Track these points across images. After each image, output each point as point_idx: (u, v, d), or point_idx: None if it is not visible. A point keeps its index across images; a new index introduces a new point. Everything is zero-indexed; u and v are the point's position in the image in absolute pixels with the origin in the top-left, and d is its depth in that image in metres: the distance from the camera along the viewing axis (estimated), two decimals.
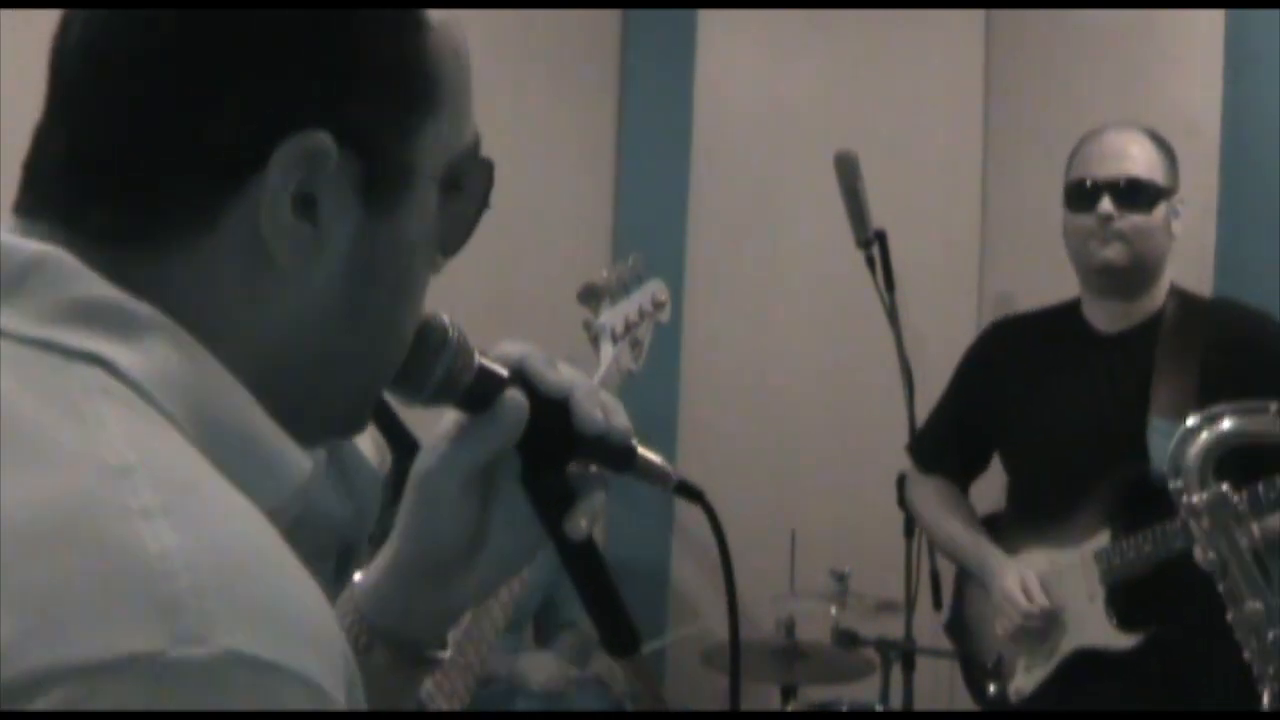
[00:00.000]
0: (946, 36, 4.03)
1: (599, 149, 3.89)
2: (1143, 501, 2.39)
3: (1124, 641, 2.42)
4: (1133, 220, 2.43)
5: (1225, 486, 1.80)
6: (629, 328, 2.12)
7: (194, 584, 0.56)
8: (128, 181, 0.69)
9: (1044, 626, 2.50)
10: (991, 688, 2.62)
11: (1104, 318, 2.56)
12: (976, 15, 4.02)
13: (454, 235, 0.81)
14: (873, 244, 2.99)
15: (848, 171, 2.97)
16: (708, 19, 3.91)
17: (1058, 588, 2.52)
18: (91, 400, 0.63)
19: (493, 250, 3.60)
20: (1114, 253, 2.45)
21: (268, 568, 0.61)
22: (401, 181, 0.74)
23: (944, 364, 3.40)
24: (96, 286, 0.66)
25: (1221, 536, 1.78)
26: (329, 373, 0.75)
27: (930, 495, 2.79)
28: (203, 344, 0.68)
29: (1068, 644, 2.51)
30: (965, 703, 3.81)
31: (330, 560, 1.60)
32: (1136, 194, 2.43)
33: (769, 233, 3.96)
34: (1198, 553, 1.83)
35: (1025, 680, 2.56)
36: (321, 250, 0.71)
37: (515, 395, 0.87)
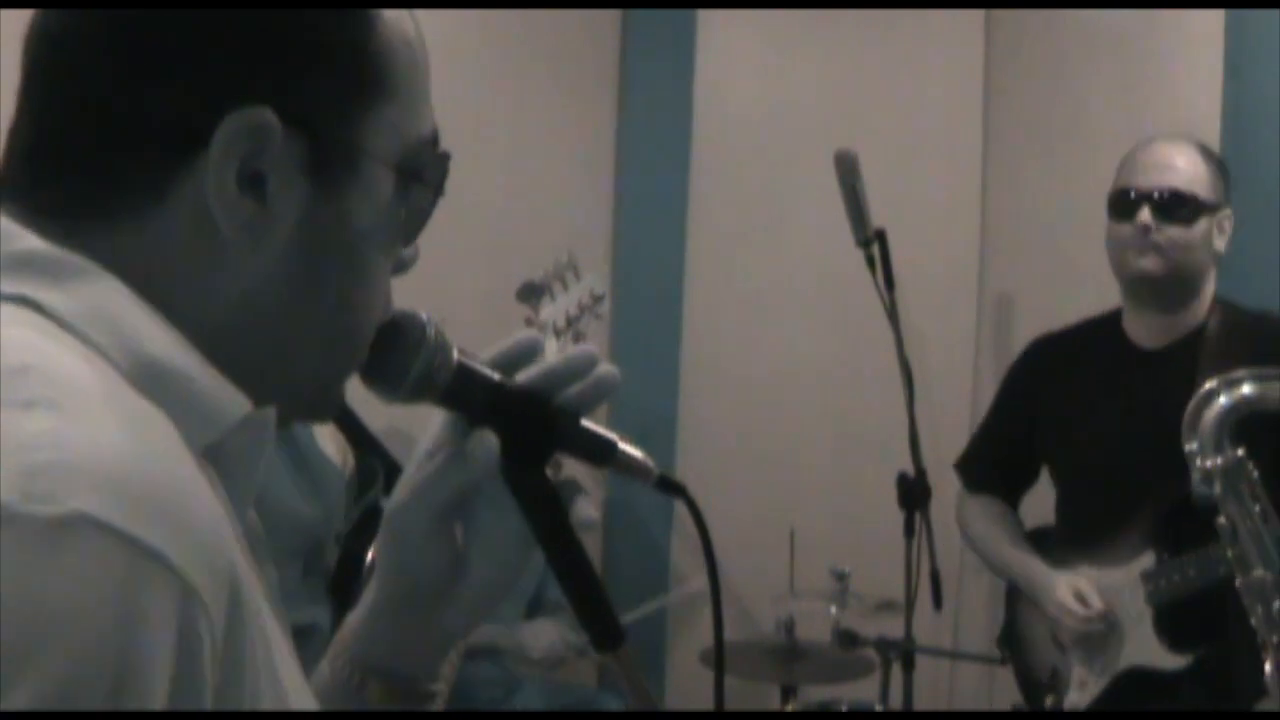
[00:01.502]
0: (946, 36, 4.03)
1: (599, 149, 3.89)
2: (1187, 523, 2.38)
3: (1174, 662, 2.42)
4: (1170, 233, 2.43)
5: (1240, 452, 1.80)
6: (570, 322, 2.14)
7: (60, 458, 0.58)
8: (81, 156, 0.71)
9: (1105, 630, 2.50)
10: (1049, 701, 2.62)
11: (1145, 332, 2.55)
12: (976, 15, 4.02)
13: (410, 224, 0.82)
14: (873, 243, 2.98)
15: (848, 171, 2.97)
16: (708, 19, 3.91)
17: (1109, 604, 2.52)
18: (5, 326, 0.65)
19: (492, 250, 3.60)
20: (1150, 264, 2.45)
21: (147, 460, 0.62)
22: (349, 163, 0.75)
23: (944, 364, 3.41)
24: (30, 241, 0.69)
25: (1233, 501, 1.77)
26: (281, 349, 0.77)
27: (978, 514, 2.81)
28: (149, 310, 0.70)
29: (1120, 662, 2.51)
30: (965, 703, 3.82)
31: (299, 560, 1.61)
32: (1176, 206, 2.42)
33: (769, 232, 3.96)
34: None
35: (1079, 697, 2.56)
36: (269, 227, 0.73)
37: (484, 436, 0.88)
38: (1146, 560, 2.46)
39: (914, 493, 2.88)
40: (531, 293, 2.10)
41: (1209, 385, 1.85)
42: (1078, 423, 2.60)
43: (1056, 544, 2.67)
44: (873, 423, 3.72)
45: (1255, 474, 1.82)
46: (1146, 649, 2.46)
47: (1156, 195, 2.43)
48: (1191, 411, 1.84)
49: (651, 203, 3.89)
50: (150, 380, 0.68)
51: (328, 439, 1.74)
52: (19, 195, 0.72)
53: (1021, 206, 3.86)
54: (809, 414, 3.96)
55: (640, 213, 3.88)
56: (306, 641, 1.55)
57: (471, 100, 3.49)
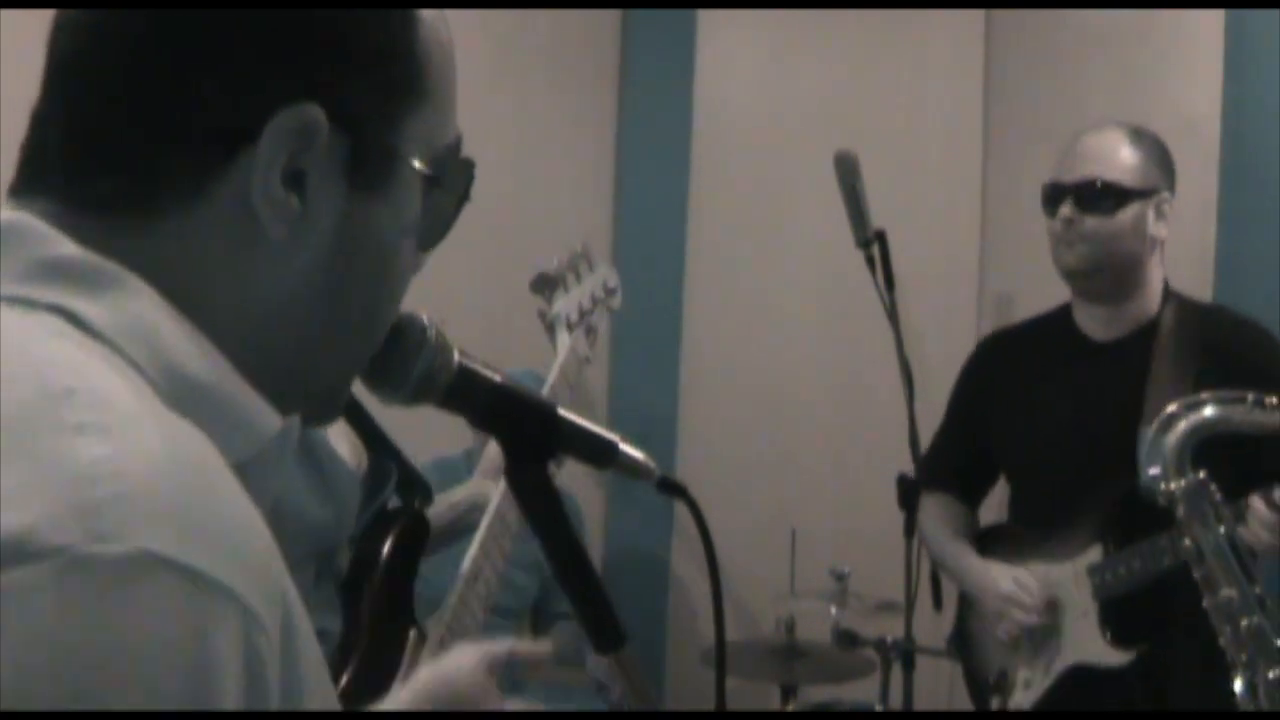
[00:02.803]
0: (946, 36, 4.03)
1: (599, 149, 3.89)
2: (1134, 515, 2.37)
3: (1117, 658, 2.40)
4: (1092, 223, 2.41)
5: (1203, 474, 1.80)
6: (583, 315, 2.12)
7: (118, 491, 0.58)
8: (123, 151, 0.70)
9: (1049, 623, 2.49)
10: (994, 702, 2.61)
11: (1095, 325, 2.53)
12: (976, 15, 4.02)
13: (433, 229, 0.81)
14: (873, 244, 2.98)
15: (848, 171, 2.97)
16: (708, 19, 3.91)
17: (1052, 598, 2.50)
18: (44, 340, 0.64)
19: (492, 250, 3.60)
20: (1075, 256, 2.44)
21: (200, 485, 0.61)
22: (387, 165, 0.75)
23: (944, 364, 3.39)
24: (64, 247, 0.68)
25: (1198, 523, 1.78)
26: (307, 351, 0.76)
27: (930, 513, 2.76)
28: (184, 310, 0.69)
29: (1063, 660, 2.49)
30: (965, 703, 3.82)
31: (311, 567, 1.59)
32: (1099, 196, 2.40)
33: (769, 233, 3.96)
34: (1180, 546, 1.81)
35: (1024, 696, 2.54)
36: (308, 226, 0.72)
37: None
38: (1093, 555, 2.44)
39: (914, 493, 2.88)
40: (545, 284, 2.08)
41: (1171, 409, 1.85)
42: (1029, 417, 2.58)
43: (1008, 540, 2.64)
44: (873, 423, 3.72)
45: (1218, 495, 1.82)
46: (1090, 646, 2.44)
47: (1077, 187, 2.42)
48: (1153, 436, 1.84)
49: (651, 203, 3.89)
50: (187, 397, 0.67)
51: (341, 439, 1.73)
52: (54, 189, 0.71)
53: (1021, 206, 3.85)
54: (809, 414, 3.96)
55: (640, 213, 3.88)
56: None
57: (472, 100, 3.48)
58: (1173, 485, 1.80)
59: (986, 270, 4.02)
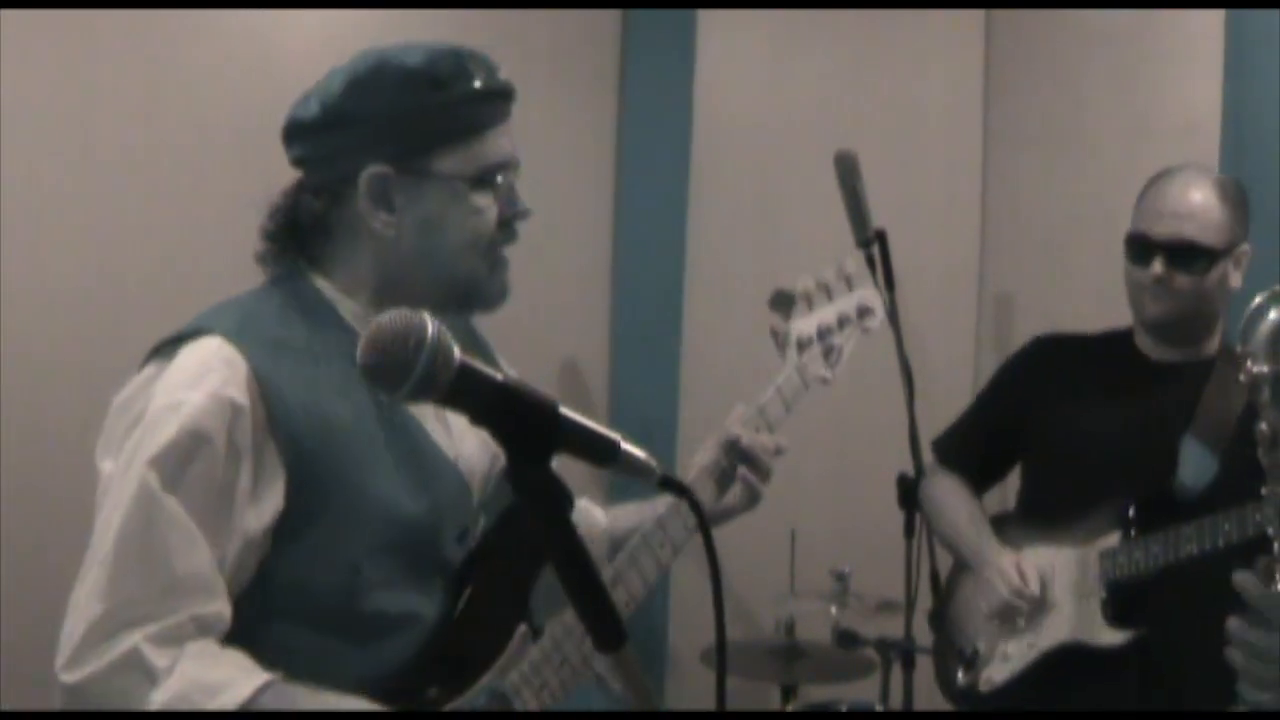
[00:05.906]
0: (946, 36, 4.03)
1: (599, 149, 3.89)
2: (1161, 509, 2.40)
3: (1111, 638, 2.43)
4: (1183, 282, 2.43)
5: None
6: (822, 335, 2.10)
7: None
8: None
9: (1028, 611, 2.52)
10: (960, 675, 2.63)
11: (1158, 350, 2.57)
12: (976, 15, 4.03)
13: None
14: (873, 244, 2.99)
15: (848, 171, 2.98)
16: (708, 19, 3.91)
17: (1052, 581, 2.53)
18: None
19: None
20: (1162, 309, 2.46)
21: None
22: None
23: (944, 364, 3.41)
24: None
25: (1277, 410, 1.76)
26: None
27: (942, 486, 2.77)
28: None
29: (1052, 637, 2.52)
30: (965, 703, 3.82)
31: (396, 553, 1.56)
32: (1191, 257, 2.42)
33: (769, 232, 3.96)
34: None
35: (1000, 669, 2.57)
36: None
37: None
38: (1109, 540, 2.47)
39: (914, 493, 2.88)
40: (781, 301, 2.06)
41: (1257, 300, 1.83)
42: (1074, 418, 2.59)
43: (1013, 527, 2.66)
44: (873, 423, 3.72)
45: None
46: (1087, 625, 2.47)
47: (1170, 245, 2.43)
48: (1249, 318, 1.82)
49: (651, 203, 3.89)
50: None
51: (469, 433, 1.69)
52: None
53: (1021, 206, 3.86)
54: (809, 414, 3.94)
55: (640, 213, 3.88)
56: (403, 629, 1.55)
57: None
58: (1258, 368, 1.78)
59: (986, 270, 4.02)
